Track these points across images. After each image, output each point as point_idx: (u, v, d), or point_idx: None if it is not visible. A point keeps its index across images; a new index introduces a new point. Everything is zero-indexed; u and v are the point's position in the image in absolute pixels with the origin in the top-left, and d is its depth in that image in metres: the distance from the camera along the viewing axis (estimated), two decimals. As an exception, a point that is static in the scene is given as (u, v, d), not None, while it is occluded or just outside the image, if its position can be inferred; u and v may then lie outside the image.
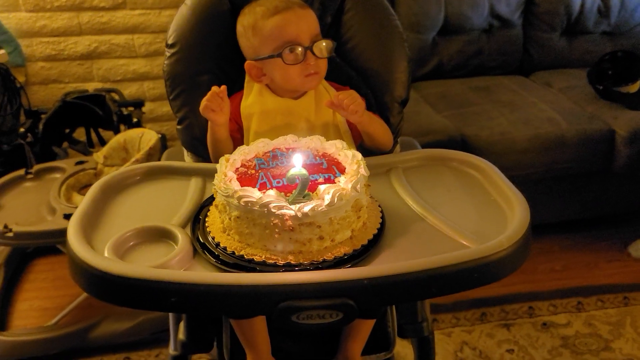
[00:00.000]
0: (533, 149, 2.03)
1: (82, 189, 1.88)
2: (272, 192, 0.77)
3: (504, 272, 0.78)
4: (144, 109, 2.38)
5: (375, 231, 0.83)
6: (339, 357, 1.09)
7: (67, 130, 2.34)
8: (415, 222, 0.88)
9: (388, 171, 1.02)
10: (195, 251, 0.81)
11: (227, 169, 0.84)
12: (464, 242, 0.83)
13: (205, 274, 0.73)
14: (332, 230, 0.78)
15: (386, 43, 1.14)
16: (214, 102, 0.98)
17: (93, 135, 2.36)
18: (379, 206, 0.90)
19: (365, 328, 1.08)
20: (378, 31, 1.15)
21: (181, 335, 1.05)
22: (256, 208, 0.76)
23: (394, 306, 1.12)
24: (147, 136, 1.90)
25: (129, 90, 2.56)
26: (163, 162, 1.03)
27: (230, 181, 0.81)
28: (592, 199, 2.21)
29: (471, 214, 0.90)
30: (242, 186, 0.80)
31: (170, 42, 1.12)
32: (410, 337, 1.14)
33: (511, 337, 1.82)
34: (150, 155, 1.79)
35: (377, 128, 1.08)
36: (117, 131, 2.17)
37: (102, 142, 2.31)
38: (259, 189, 0.80)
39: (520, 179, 2.05)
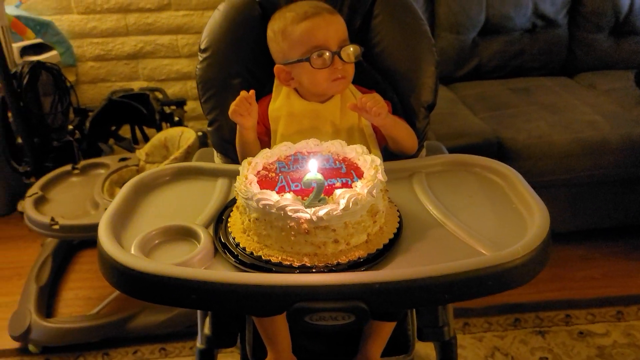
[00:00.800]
0: (573, 153, 1.98)
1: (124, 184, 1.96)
2: (289, 196, 0.79)
3: (519, 280, 0.77)
4: (186, 107, 2.45)
5: (392, 236, 0.85)
6: (358, 358, 1.11)
7: (113, 128, 2.45)
8: (433, 227, 0.89)
9: (410, 176, 1.03)
10: (216, 250, 0.84)
11: (248, 171, 0.87)
12: (481, 250, 0.83)
13: (222, 273, 0.76)
14: (347, 234, 0.80)
15: (414, 48, 1.15)
16: (242, 107, 1.02)
17: (138, 132, 2.46)
18: (398, 211, 0.91)
19: (385, 330, 1.09)
20: (406, 36, 1.15)
21: (207, 330, 1.10)
22: (273, 211, 0.79)
23: (414, 309, 1.12)
24: (186, 135, 1.97)
25: (173, 90, 2.65)
26: (192, 163, 1.07)
27: (250, 184, 0.84)
28: (635, 206, 2.14)
29: (491, 221, 0.90)
30: (261, 189, 0.83)
31: (202, 47, 1.16)
32: (430, 340, 1.15)
33: (545, 344, 1.79)
34: (188, 154, 1.85)
35: (401, 132, 1.09)
36: (159, 129, 2.25)
37: (146, 139, 2.40)
38: (278, 192, 0.82)
39: (560, 183, 2.02)
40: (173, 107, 2.37)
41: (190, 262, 0.80)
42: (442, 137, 1.95)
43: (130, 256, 0.79)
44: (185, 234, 0.87)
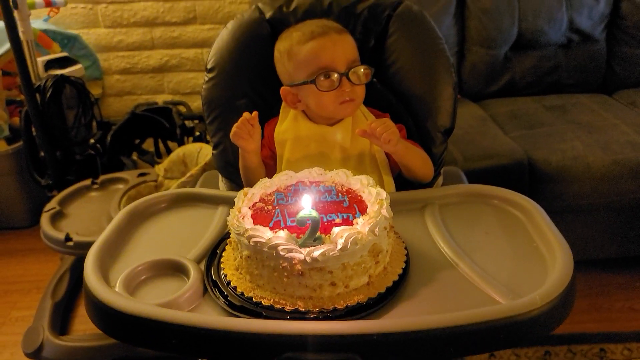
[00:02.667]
0: (611, 176, 1.85)
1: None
2: (282, 234, 0.73)
3: (536, 334, 0.69)
4: (208, 122, 2.42)
5: (396, 278, 0.77)
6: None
7: (137, 141, 2.43)
8: (444, 269, 0.81)
9: (423, 207, 0.95)
10: (206, 289, 0.79)
11: (243, 204, 0.81)
12: (495, 296, 0.75)
13: (205, 318, 0.70)
14: (346, 277, 0.73)
15: (431, 68, 1.07)
16: (243, 129, 0.96)
17: (161, 146, 2.44)
18: (405, 248, 0.83)
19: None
20: (423, 55, 1.08)
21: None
22: (265, 249, 0.72)
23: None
24: (204, 151, 1.94)
25: (197, 103, 2.63)
26: (190, 190, 1.02)
27: (243, 218, 0.78)
28: (680, 232, 1.99)
29: (508, 263, 0.81)
30: (255, 223, 0.77)
31: (209, 66, 1.11)
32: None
33: (577, 381, 1.67)
34: (205, 171, 1.81)
35: (414, 159, 1.02)
36: (181, 143, 2.23)
37: (170, 153, 2.37)
38: (272, 228, 0.76)
39: (598, 207, 1.89)
40: (196, 122, 2.34)
41: (175, 302, 0.75)
42: (469, 158, 1.86)
43: (111, 293, 0.74)
44: (174, 269, 0.82)
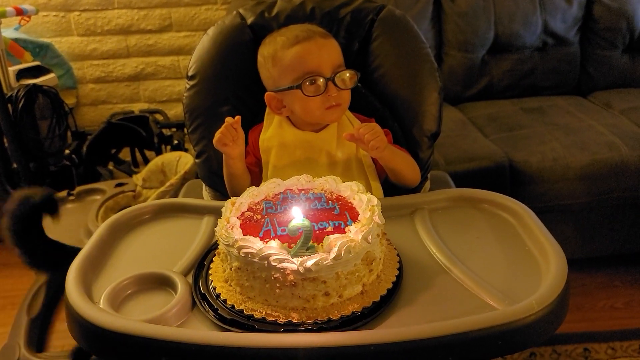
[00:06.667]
0: (589, 176, 1.88)
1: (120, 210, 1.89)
2: (273, 244, 0.71)
3: (534, 339, 0.69)
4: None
5: (390, 285, 0.76)
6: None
7: (114, 151, 2.38)
8: (437, 275, 0.80)
9: (413, 213, 0.94)
10: (194, 302, 0.76)
11: (231, 214, 0.79)
12: (490, 302, 0.74)
13: (197, 333, 0.68)
14: (339, 286, 0.72)
15: (416, 73, 1.07)
16: (226, 135, 0.94)
17: (138, 155, 2.39)
18: (398, 255, 0.82)
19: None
20: (407, 60, 1.07)
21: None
22: (256, 260, 0.70)
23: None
24: (183, 160, 1.90)
25: (175, 111, 2.59)
26: (175, 200, 0.99)
27: (232, 228, 0.75)
28: (658, 231, 2.02)
29: (501, 267, 0.80)
30: (245, 234, 0.75)
31: (190, 73, 1.09)
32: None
33: (563, 381, 1.68)
34: (185, 179, 1.78)
35: (400, 164, 1.01)
36: (159, 152, 2.19)
37: (147, 163, 2.33)
38: (263, 237, 0.74)
39: (578, 207, 1.92)
40: (173, 130, 2.30)
41: (163, 317, 0.72)
42: (451, 161, 1.86)
43: (95, 310, 0.71)
44: (161, 283, 0.79)
